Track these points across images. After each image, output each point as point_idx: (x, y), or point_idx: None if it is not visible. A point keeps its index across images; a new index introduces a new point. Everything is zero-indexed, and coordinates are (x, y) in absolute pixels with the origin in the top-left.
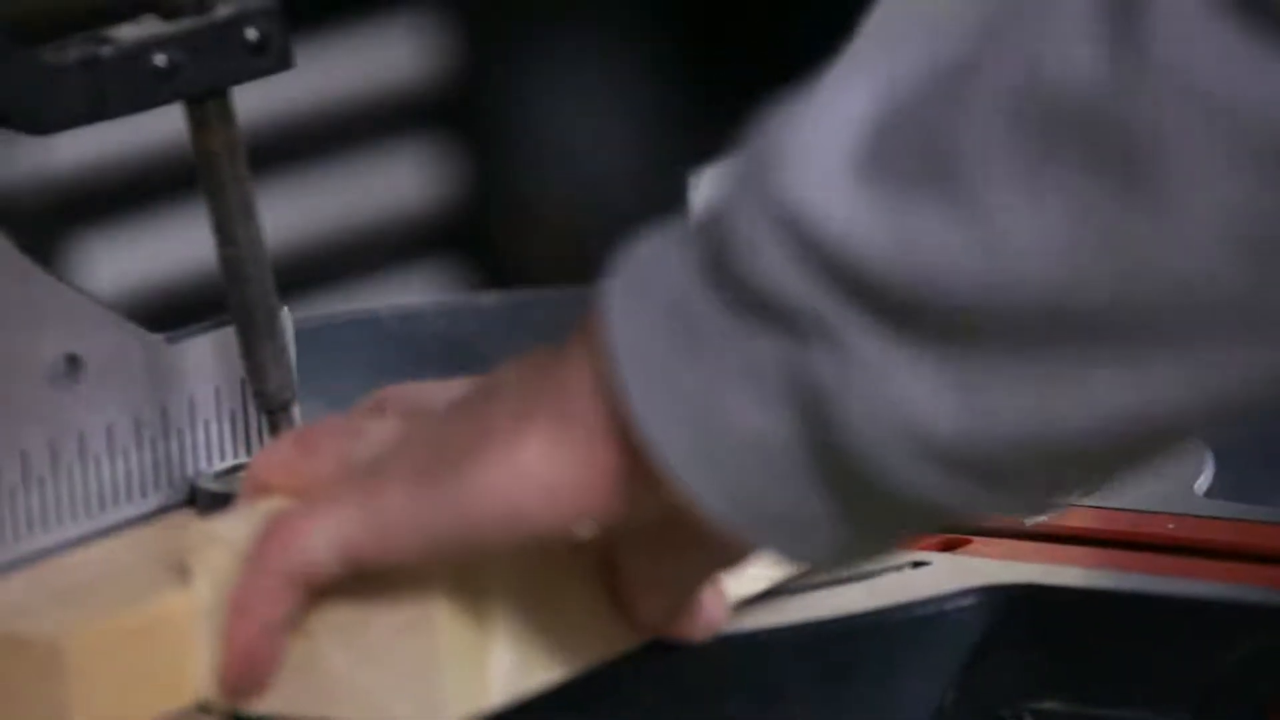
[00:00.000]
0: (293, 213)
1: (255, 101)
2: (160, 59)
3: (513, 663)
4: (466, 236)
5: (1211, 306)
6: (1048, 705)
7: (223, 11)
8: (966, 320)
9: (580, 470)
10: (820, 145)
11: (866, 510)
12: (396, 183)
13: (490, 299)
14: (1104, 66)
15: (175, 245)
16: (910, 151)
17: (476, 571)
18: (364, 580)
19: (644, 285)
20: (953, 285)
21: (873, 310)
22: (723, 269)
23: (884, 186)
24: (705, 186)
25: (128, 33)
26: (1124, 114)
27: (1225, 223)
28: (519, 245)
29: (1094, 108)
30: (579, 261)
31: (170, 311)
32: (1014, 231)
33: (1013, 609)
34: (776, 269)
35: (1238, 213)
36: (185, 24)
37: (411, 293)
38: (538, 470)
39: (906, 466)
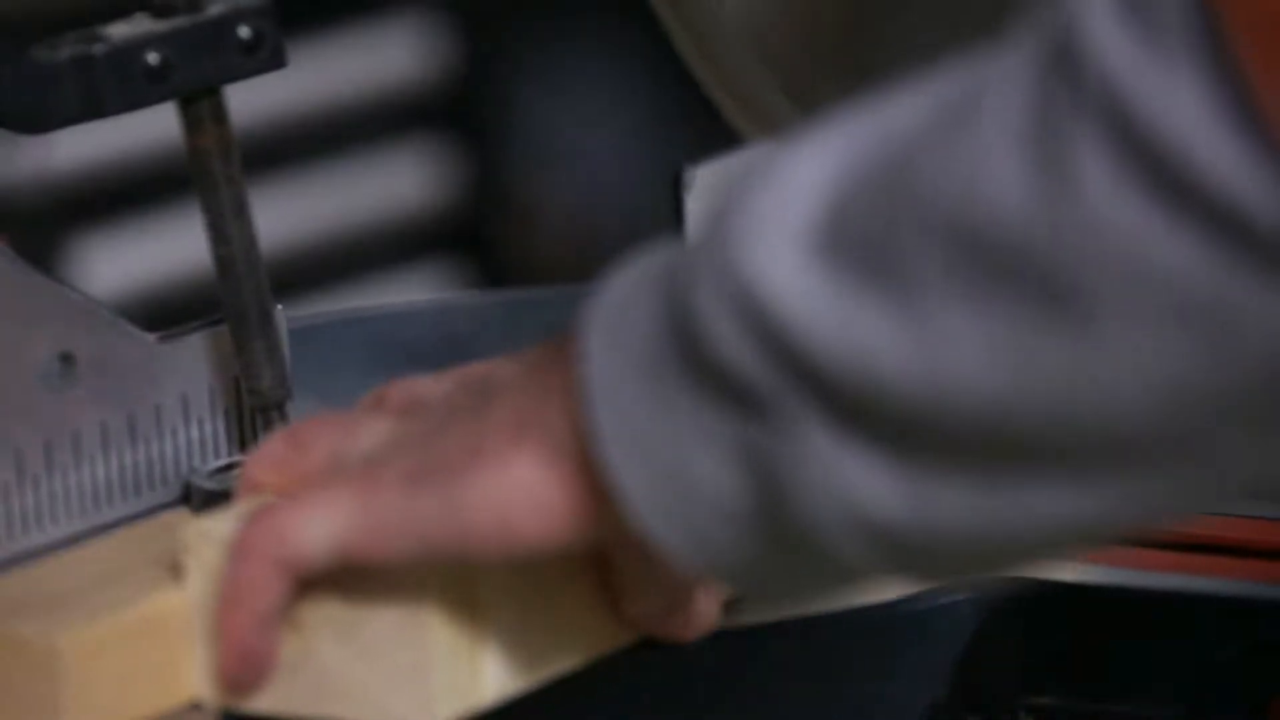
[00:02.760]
0: (291, 212)
1: (256, 100)
2: (153, 57)
3: (506, 660)
4: (464, 236)
5: (1137, 439)
6: (1043, 701)
7: (215, 10)
8: (910, 422)
9: (569, 489)
10: (777, 221)
11: (819, 570)
12: (394, 182)
13: (486, 298)
14: (1032, 206)
15: (175, 245)
16: (859, 241)
17: (470, 570)
18: (357, 577)
19: (619, 328)
20: (895, 386)
21: (823, 398)
22: (685, 335)
23: (834, 273)
24: (700, 185)
25: (120, 31)
26: (1049, 257)
27: (1142, 369)
28: (516, 245)
29: (1022, 245)
30: (576, 261)
31: (171, 311)
32: (951, 342)
33: (1007, 604)
34: (733, 345)
35: (1153, 362)
36: (177, 22)
37: (409, 292)
38: (528, 487)
39: (855, 546)
